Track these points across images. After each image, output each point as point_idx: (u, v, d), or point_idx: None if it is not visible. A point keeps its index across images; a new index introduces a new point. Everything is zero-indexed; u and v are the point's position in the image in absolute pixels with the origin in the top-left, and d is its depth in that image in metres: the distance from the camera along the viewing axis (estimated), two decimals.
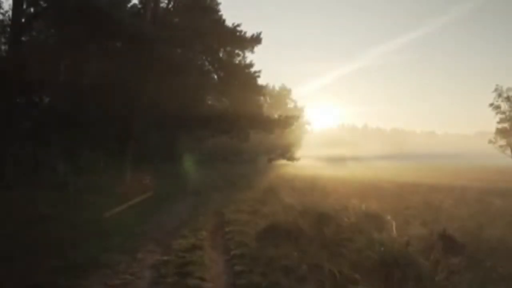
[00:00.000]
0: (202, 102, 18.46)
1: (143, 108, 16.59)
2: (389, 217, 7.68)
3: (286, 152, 48.04)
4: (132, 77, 15.05)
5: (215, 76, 17.18)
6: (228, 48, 16.22)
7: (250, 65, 15.87)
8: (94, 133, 18.10)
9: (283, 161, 47.03)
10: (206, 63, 16.51)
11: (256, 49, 15.56)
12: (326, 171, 28.61)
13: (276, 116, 17.95)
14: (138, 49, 14.17)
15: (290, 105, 49.16)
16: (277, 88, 48.18)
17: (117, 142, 19.19)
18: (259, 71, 15.83)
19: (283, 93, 48.69)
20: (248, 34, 15.26)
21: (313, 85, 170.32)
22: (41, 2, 13.64)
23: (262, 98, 16.90)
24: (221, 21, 14.84)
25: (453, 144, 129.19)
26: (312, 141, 58.28)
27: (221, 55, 15.94)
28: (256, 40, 15.32)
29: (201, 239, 5.93)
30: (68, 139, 18.01)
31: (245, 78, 15.49)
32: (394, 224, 5.83)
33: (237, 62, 15.93)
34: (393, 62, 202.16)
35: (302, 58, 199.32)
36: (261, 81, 17.52)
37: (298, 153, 49.29)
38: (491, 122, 46.73)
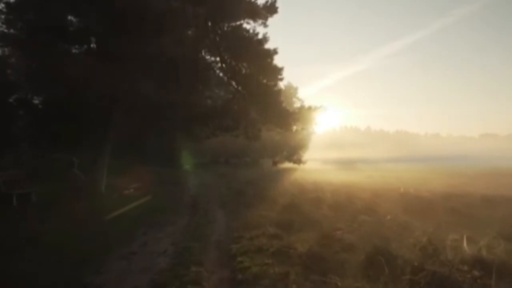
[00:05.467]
0: (201, 92, 14.89)
1: (125, 100, 13.07)
2: None
3: (293, 155, 44.59)
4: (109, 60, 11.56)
5: (218, 59, 13.58)
6: (234, 23, 12.62)
7: (264, 39, 12.00)
8: (66, 130, 14.79)
9: (289, 164, 43.56)
10: (205, 41, 12.87)
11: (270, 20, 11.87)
12: (342, 176, 24.94)
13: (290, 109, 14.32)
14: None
15: (297, 104, 45.54)
16: (282, 86, 44.63)
17: (95, 142, 15.91)
18: (276, 49, 12.06)
19: (290, 92, 45.12)
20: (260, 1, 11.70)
21: (315, 87, 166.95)
22: None
23: (279, 83, 13.23)
24: None
25: (459, 146, 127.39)
26: (316, 143, 55.01)
27: (225, 29, 12.29)
28: (270, 8, 11.73)
29: None
30: (32, 137, 14.74)
31: (257, 57, 11.73)
32: None
33: (246, 36, 12.13)
34: (395, 64, 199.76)
35: (304, 60, 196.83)
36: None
37: (305, 156, 45.97)
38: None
